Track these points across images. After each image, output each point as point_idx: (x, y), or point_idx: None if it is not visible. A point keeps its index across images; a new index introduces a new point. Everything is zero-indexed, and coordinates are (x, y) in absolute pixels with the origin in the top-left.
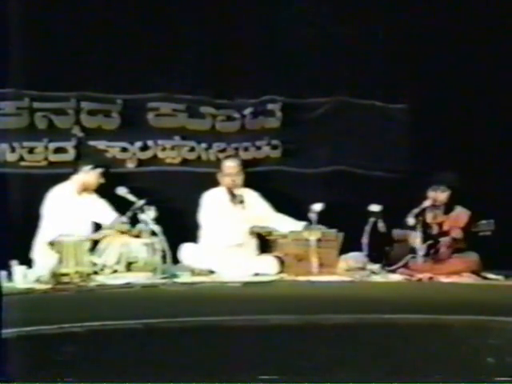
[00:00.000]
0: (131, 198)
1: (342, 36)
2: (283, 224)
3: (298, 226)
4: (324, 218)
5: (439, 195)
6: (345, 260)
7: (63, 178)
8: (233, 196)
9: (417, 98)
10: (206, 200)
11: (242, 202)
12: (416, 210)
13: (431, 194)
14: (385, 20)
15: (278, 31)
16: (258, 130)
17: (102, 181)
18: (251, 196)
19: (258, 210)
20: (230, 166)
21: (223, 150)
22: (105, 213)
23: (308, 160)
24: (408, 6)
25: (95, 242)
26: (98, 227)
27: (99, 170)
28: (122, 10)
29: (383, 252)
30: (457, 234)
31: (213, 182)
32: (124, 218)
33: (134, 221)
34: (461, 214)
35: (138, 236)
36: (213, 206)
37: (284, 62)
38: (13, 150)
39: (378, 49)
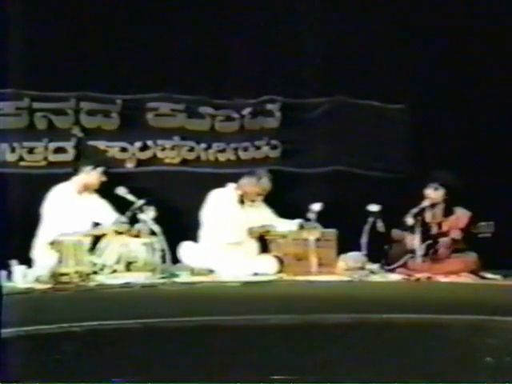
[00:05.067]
0: (131, 197)
1: (341, 36)
2: (281, 225)
3: (293, 224)
4: (323, 218)
5: (431, 193)
6: (344, 260)
7: (63, 178)
8: (242, 196)
9: (415, 98)
10: (214, 198)
11: (253, 200)
12: (415, 210)
13: (425, 192)
14: (384, 20)
15: (277, 31)
16: (257, 130)
17: (104, 179)
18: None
19: (261, 213)
20: (267, 184)
21: (222, 150)
22: (105, 213)
23: (307, 160)
24: (408, 6)
25: (95, 242)
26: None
27: (100, 170)
28: (121, 10)
29: (382, 252)
30: (456, 234)
31: (212, 182)
32: (123, 218)
33: (134, 221)
34: (461, 215)
35: (137, 236)
36: (220, 204)
37: (283, 62)
38: (13, 150)
39: (377, 49)
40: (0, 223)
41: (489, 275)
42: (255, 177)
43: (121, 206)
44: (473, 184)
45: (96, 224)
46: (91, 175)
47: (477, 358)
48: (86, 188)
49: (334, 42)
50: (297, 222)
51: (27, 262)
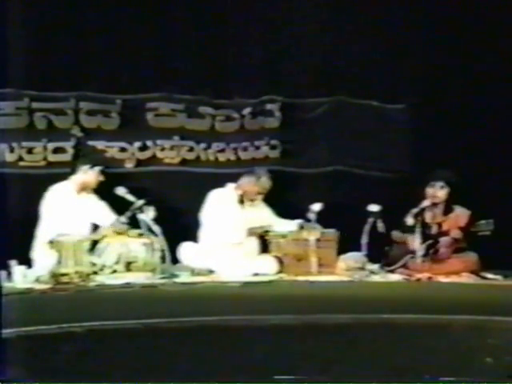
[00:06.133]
0: (130, 198)
1: (341, 36)
2: (281, 225)
3: (293, 225)
4: (323, 218)
5: (437, 191)
6: (344, 260)
7: (62, 178)
8: (242, 196)
9: (416, 98)
10: (214, 198)
11: (253, 200)
12: (415, 210)
13: (430, 190)
14: (384, 20)
15: (277, 31)
16: (257, 130)
17: (102, 179)
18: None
19: (260, 212)
20: (267, 183)
21: (222, 150)
22: (104, 214)
23: (307, 160)
24: (408, 6)
25: (94, 242)
26: (96, 228)
27: (98, 169)
28: (121, 9)
29: (382, 252)
30: (456, 234)
31: (212, 182)
32: (123, 218)
33: (134, 221)
34: (461, 215)
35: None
36: (220, 204)
37: (283, 62)
38: (12, 150)
39: (378, 49)
40: (0, 223)
41: (489, 275)
42: (254, 176)
43: (120, 206)
44: (473, 184)
45: (94, 225)
46: (88, 174)
47: (477, 358)
48: (83, 187)
49: (334, 41)
50: (297, 222)
51: (27, 262)
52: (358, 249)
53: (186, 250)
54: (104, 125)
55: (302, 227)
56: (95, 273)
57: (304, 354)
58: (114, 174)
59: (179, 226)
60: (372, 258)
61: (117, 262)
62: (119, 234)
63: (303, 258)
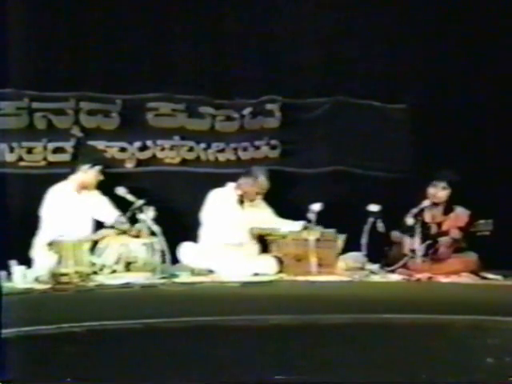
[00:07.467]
0: (130, 198)
1: (341, 36)
2: (283, 226)
3: (296, 226)
4: (323, 218)
5: (439, 192)
6: (344, 260)
7: (62, 178)
8: (242, 196)
9: (416, 98)
10: (213, 198)
11: (252, 200)
12: (415, 210)
13: (431, 190)
14: (384, 20)
15: (277, 31)
16: (257, 130)
17: (101, 178)
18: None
19: (261, 212)
20: (265, 183)
21: (222, 150)
22: (106, 210)
23: (307, 160)
24: (407, 6)
25: (94, 242)
26: (98, 225)
27: (97, 168)
28: (121, 9)
29: (382, 252)
30: (456, 234)
31: (212, 182)
32: (123, 218)
33: (134, 221)
34: (460, 214)
35: (137, 236)
36: (220, 204)
37: (283, 62)
38: (12, 150)
39: (378, 49)
40: (0, 223)
41: (489, 275)
42: (252, 176)
43: (121, 206)
44: (473, 184)
45: (96, 222)
46: (88, 174)
47: (477, 358)
48: (83, 186)
49: (334, 41)
50: (300, 223)
51: (27, 262)
52: (357, 249)
53: (185, 250)
54: (104, 125)
55: (305, 228)
56: (95, 273)
57: (304, 354)
58: (114, 174)
59: (179, 225)
60: (372, 258)
61: (116, 262)
62: (121, 233)
63: (303, 258)
